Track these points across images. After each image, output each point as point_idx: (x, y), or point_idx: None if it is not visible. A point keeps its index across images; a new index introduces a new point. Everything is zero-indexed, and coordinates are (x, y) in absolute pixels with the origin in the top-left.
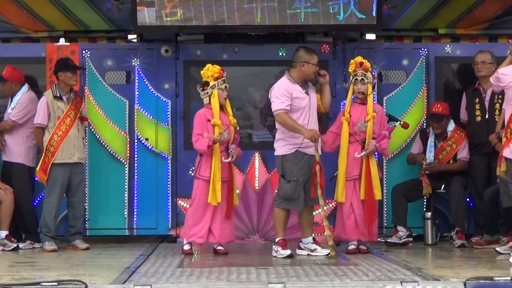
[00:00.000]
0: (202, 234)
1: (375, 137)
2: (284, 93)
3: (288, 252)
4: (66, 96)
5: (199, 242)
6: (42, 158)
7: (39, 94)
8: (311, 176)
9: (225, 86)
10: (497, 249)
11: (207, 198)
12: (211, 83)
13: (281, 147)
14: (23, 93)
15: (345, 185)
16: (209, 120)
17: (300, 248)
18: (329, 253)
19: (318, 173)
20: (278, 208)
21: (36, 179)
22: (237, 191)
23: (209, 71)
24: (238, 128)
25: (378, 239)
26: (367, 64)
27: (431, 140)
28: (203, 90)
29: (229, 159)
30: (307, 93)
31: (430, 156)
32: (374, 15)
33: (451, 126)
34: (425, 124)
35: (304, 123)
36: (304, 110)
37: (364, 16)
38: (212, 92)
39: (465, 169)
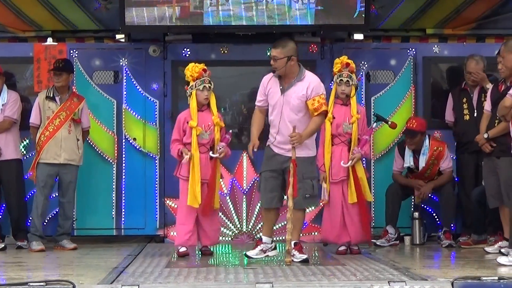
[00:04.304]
0: (188, 237)
1: (359, 138)
2: (261, 87)
3: (252, 253)
4: (59, 96)
5: (187, 244)
6: (34, 157)
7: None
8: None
9: (205, 86)
10: (486, 249)
11: (187, 198)
12: (191, 83)
13: None
14: (7, 90)
15: (332, 187)
16: (187, 122)
17: None
18: (304, 259)
19: (291, 170)
20: None
21: (26, 177)
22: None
23: (189, 70)
24: (230, 130)
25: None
26: (353, 65)
27: (409, 154)
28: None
29: (216, 155)
30: (283, 89)
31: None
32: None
33: (427, 141)
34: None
35: (275, 121)
36: (276, 107)
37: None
38: (191, 93)
39: (452, 177)
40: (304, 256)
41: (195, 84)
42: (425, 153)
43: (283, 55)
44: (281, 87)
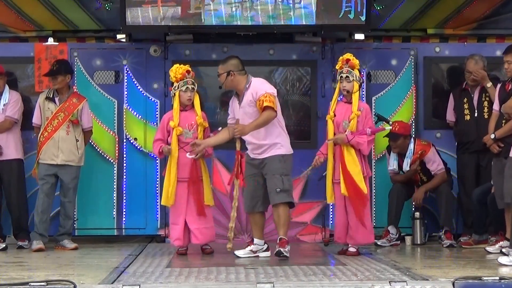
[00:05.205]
0: (178, 236)
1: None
2: (229, 107)
3: (240, 253)
4: (59, 97)
5: (176, 244)
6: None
7: None
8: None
9: (187, 87)
10: (487, 248)
11: (176, 198)
12: (175, 84)
13: None
14: (8, 90)
15: (335, 187)
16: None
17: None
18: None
19: (237, 161)
20: None
21: (32, 175)
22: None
23: (173, 71)
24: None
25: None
26: (353, 61)
27: (394, 157)
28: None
29: (193, 156)
30: (240, 103)
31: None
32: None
33: (412, 144)
34: (413, 126)
35: None
36: (240, 120)
37: None
38: (174, 93)
39: (446, 178)
40: (281, 249)
41: (178, 85)
42: (410, 156)
43: (223, 71)
44: (239, 102)
